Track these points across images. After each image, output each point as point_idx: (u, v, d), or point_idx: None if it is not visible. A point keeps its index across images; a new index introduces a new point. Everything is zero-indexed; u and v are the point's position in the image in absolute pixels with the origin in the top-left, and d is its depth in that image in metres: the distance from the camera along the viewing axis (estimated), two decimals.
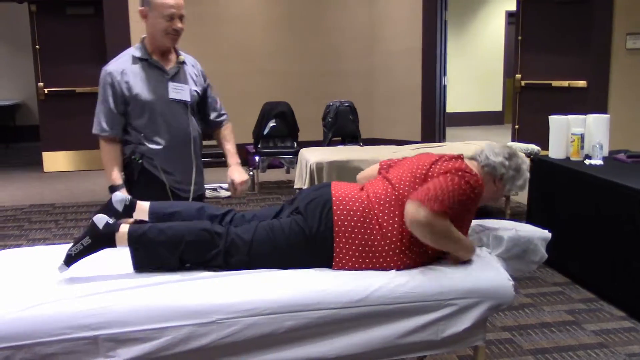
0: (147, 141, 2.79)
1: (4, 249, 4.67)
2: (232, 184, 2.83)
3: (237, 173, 2.85)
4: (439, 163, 2.29)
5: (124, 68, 2.79)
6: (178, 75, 2.85)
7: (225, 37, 7.99)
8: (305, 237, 2.18)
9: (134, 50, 2.85)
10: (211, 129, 3.08)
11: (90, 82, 7.70)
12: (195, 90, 2.91)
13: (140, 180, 2.82)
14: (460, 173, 2.19)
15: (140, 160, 2.79)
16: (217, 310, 1.97)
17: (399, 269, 2.17)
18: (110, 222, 2.17)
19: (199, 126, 2.96)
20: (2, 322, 1.87)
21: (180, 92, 2.83)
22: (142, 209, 2.37)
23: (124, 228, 2.16)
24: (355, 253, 2.18)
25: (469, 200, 2.19)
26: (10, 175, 7.74)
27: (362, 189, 2.34)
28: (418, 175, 2.26)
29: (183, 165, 2.87)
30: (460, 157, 2.34)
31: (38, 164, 8.01)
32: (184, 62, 2.90)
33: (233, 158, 2.97)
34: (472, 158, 2.44)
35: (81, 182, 7.19)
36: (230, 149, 3.03)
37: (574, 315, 3.49)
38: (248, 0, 8.02)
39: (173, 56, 2.88)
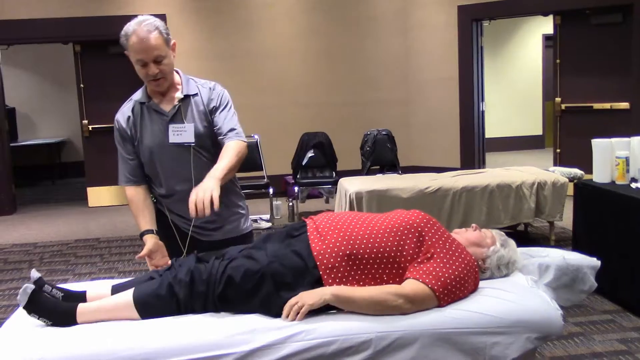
0: (154, 185, 2.66)
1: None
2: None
3: (200, 189, 2.27)
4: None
5: (129, 114, 2.61)
6: (178, 115, 2.56)
7: (262, 70, 8.11)
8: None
9: (137, 94, 2.64)
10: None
11: None
12: (204, 126, 2.59)
13: (159, 224, 2.62)
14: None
15: (155, 202, 2.67)
16: (262, 336, 1.96)
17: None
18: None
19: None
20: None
21: (182, 134, 2.54)
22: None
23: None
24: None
25: None
26: (56, 211, 7.94)
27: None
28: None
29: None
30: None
31: (83, 199, 8.19)
32: (184, 98, 2.58)
33: (211, 171, 2.39)
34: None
35: (124, 216, 7.32)
36: (220, 161, 2.45)
37: (627, 344, 3.38)
38: (284, 34, 8.15)
39: (176, 93, 2.59)
